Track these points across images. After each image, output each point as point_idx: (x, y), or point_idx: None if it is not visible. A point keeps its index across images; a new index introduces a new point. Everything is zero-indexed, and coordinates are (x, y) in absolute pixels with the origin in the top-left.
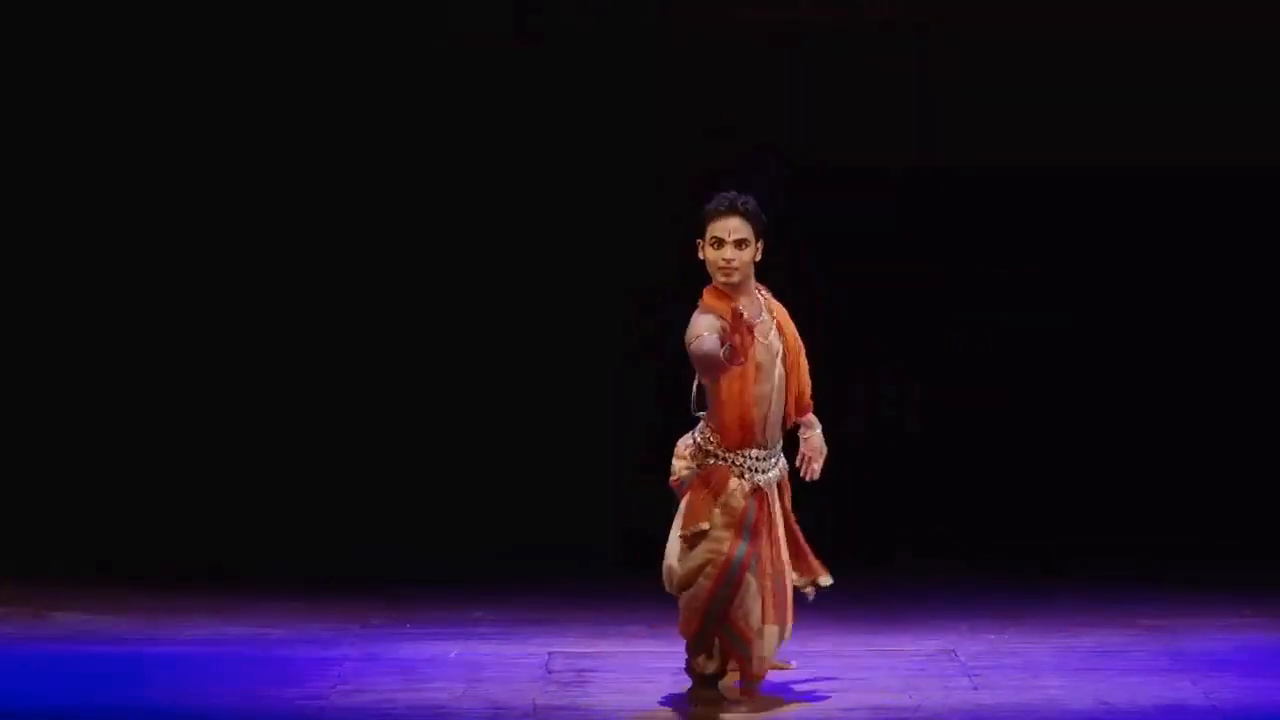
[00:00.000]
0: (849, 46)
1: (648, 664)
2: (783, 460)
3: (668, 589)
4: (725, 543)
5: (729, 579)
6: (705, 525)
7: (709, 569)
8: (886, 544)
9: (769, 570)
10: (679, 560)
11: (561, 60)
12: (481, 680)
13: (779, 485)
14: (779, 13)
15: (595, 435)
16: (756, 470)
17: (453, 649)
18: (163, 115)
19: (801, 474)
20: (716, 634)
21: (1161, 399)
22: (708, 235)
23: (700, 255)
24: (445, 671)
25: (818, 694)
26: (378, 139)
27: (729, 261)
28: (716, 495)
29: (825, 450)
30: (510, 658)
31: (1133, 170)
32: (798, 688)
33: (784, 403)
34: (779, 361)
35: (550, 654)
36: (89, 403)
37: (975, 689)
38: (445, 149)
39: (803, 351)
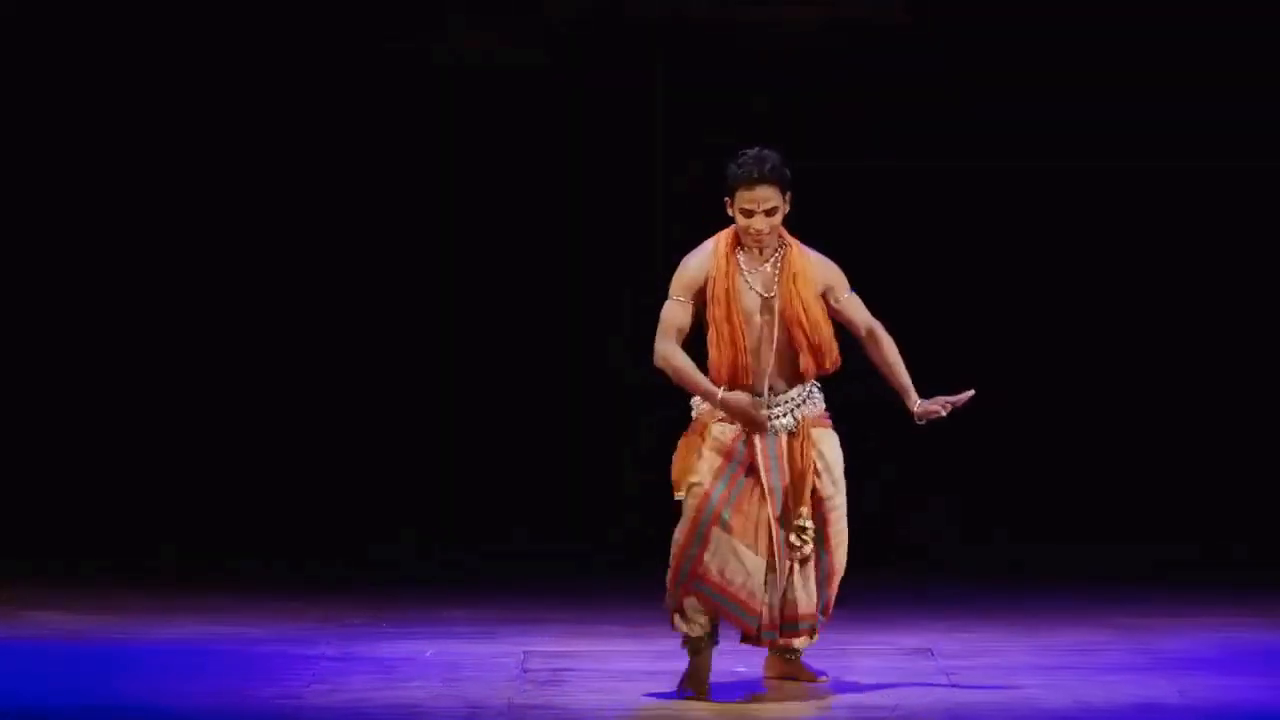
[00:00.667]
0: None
1: (624, 663)
2: (804, 409)
3: None
4: (698, 495)
5: (698, 532)
6: (695, 478)
7: (683, 521)
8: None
9: (752, 514)
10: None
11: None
12: (458, 679)
13: (793, 435)
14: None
15: (568, 434)
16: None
17: (429, 648)
18: (160, 114)
19: (943, 413)
20: (690, 592)
21: (1137, 400)
22: (736, 203)
23: (729, 212)
24: (421, 670)
25: (794, 693)
26: (377, 139)
27: (760, 232)
28: (701, 439)
29: (944, 404)
30: (486, 657)
31: (1131, 168)
32: (775, 686)
33: (791, 354)
34: (778, 313)
35: (526, 653)
36: (66, 401)
37: (952, 688)
38: (446, 148)
39: (810, 305)
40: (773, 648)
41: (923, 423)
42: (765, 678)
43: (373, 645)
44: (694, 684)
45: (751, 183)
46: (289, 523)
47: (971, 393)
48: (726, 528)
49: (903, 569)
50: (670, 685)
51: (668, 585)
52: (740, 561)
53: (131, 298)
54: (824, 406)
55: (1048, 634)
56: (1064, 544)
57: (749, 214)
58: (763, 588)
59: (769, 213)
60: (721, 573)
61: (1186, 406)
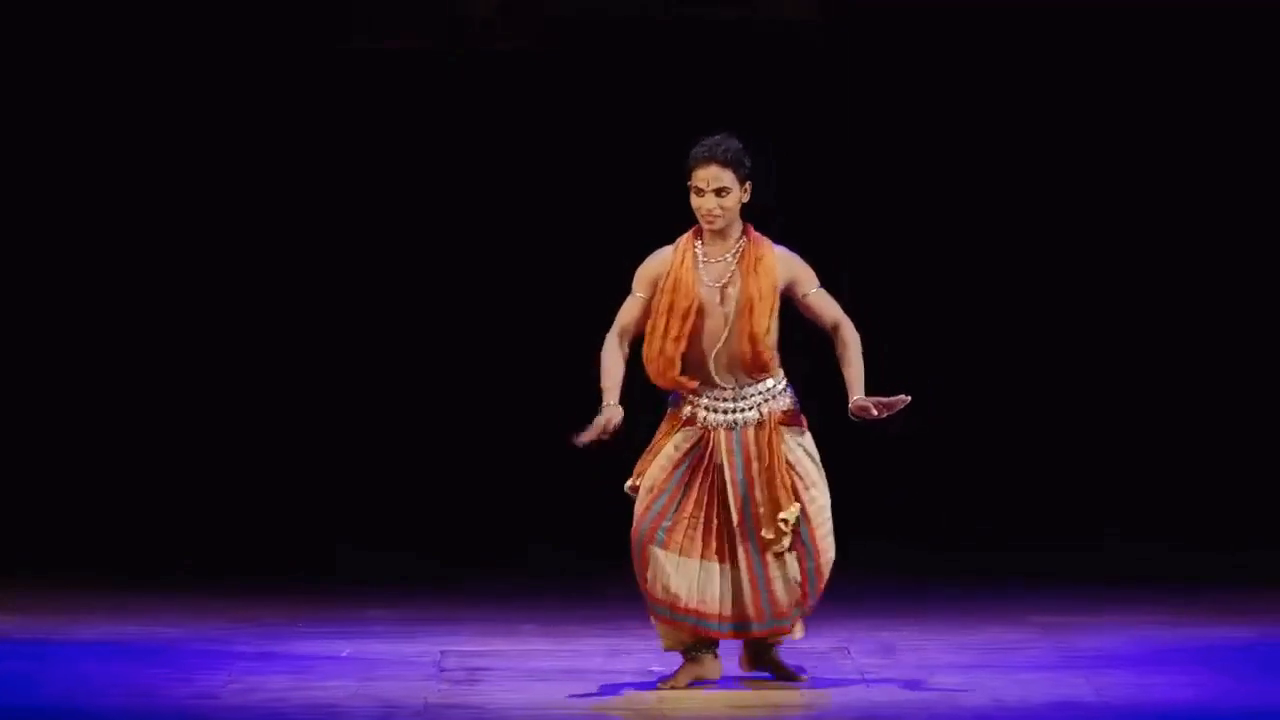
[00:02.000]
0: None
1: (540, 663)
2: (772, 405)
3: None
4: (636, 514)
5: (637, 554)
6: (632, 484)
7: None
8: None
9: (699, 518)
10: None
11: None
12: (374, 678)
13: (760, 428)
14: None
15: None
16: (713, 410)
17: (346, 647)
18: (154, 114)
19: (875, 413)
20: (650, 612)
21: (1063, 399)
22: (691, 182)
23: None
24: (338, 670)
25: (711, 692)
26: (378, 139)
27: (709, 211)
28: (653, 455)
29: (877, 404)
30: (403, 656)
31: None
32: (691, 686)
33: (740, 349)
34: (734, 308)
35: (443, 652)
36: None
37: (869, 686)
38: (447, 148)
39: (763, 303)
40: (745, 641)
41: (856, 419)
42: (741, 677)
43: (289, 644)
44: (675, 680)
45: (702, 162)
46: (202, 521)
47: (906, 398)
48: (662, 544)
49: None
50: (587, 684)
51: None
52: (680, 573)
53: (65, 306)
54: (795, 403)
55: (964, 632)
56: (982, 543)
57: (700, 193)
58: (718, 586)
59: (719, 192)
60: (666, 589)
61: (1110, 404)
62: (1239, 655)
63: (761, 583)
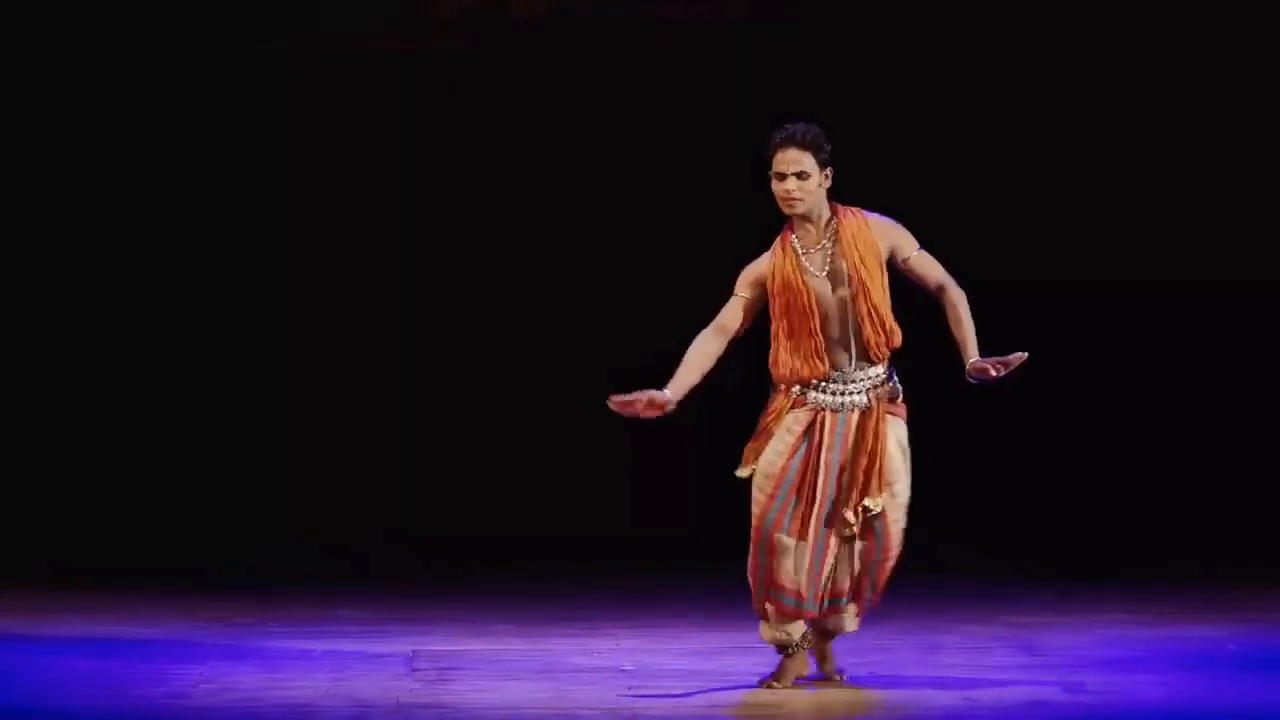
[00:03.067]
0: None
1: (512, 662)
2: (881, 391)
3: None
4: (759, 503)
5: (762, 544)
6: (746, 470)
7: (752, 532)
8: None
9: (805, 501)
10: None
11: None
12: (346, 678)
13: (865, 414)
14: None
15: (463, 433)
16: (825, 390)
17: (318, 647)
18: (148, 113)
19: (993, 373)
20: (769, 600)
21: (1028, 395)
22: (771, 169)
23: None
24: (310, 669)
25: (683, 691)
26: (379, 138)
27: (790, 193)
28: (766, 437)
29: (995, 364)
30: (375, 655)
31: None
32: (667, 684)
33: (860, 328)
34: (848, 291)
35: (415, 651)
36: None
37: (841, 685)
38: (446, 148)
39: (873, 274)
40: (814, 621)
41: (973, 380)
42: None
43: (261, 644)
44: (778, 678)
45: (781, 146)
46: (174, 521)
47: (1024, 356)
48: (788, 532)
49: None
50: (559, 683)
51: (752, 592)
52: (802, 561)
53: (37, 307)
54: (900, 392)
55: (935, 632)
56: (953, 542)
57: (781, 177)
58: (808, 568)
59: (799, 175)
60: (791, 578)
61: (1081, 403)
62: (1209, 655)
63: (818, 565)
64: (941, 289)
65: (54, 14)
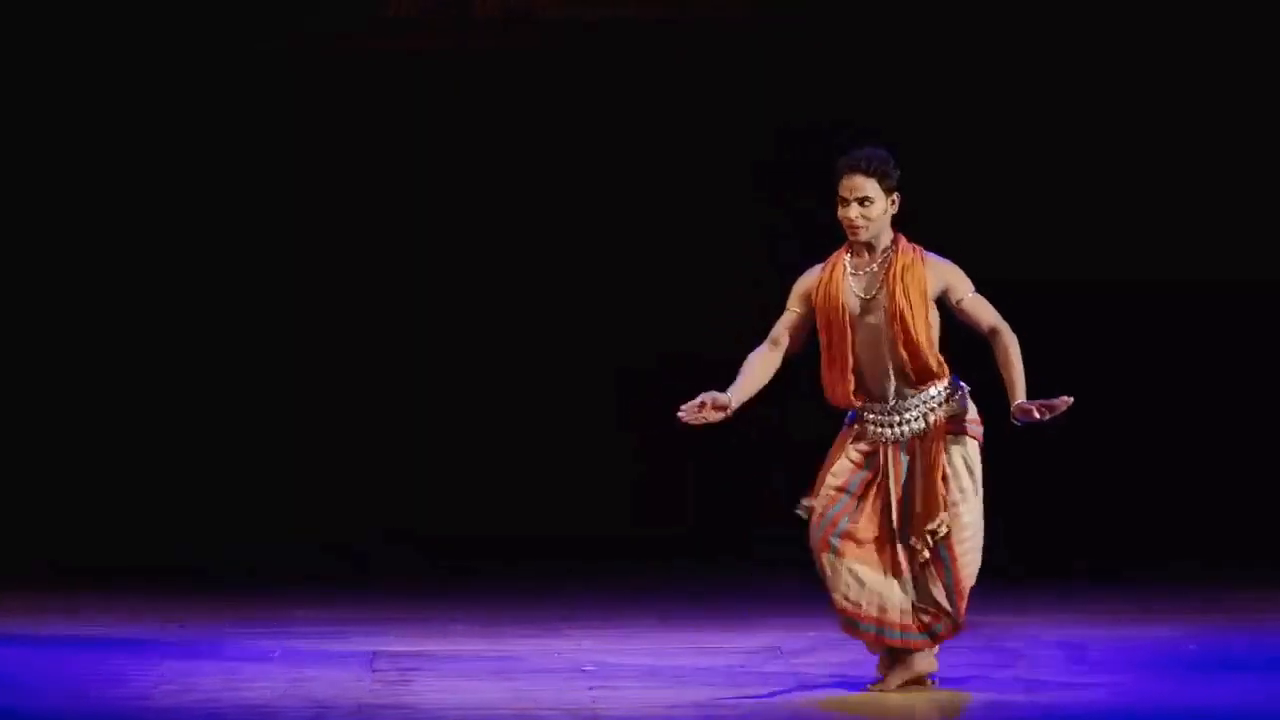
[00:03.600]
0: None
1: (472, 663)
2: (942, 411)
3: None
4: (820, 506)
5: (820, 568)
6: (806, 507)
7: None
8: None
9: (872, 528)
10: None
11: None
12: (305, 679)
13: (923, 438)
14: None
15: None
16: (880, 424)
17: (276, 648)
18: (146, 113)
19: (1038, 415)
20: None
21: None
22: (838, 194)
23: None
24: (268, 671)
25: (642, 693)
26: (381, 138)
27: (853, 220)
28: (840, 450)
29: (1039, 407)
30: (334, 656)
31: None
32: (622, 686)
33: (900, 359)
34: (885, 317)
35: (375, 653)
36: None
37: (799, 686)
38: (449, 148)
39: (915, 312)
40: (888, 650)
41: (1018, 422)
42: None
43: (220, 646)
44: (886, 682)
45: (846, 172)
46: (132, 521)
47: (1070, 400)
48: (838, 553)
49: (750, 566)
50: (519, 684)
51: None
52: (859, 581)
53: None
54: (969, 408)
55: None
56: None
57: (844, 203)
58: (895, 597)
59: (862, 202)
60: (846, 597)
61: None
62: (1170, 655)
63: (919, 593)
64: (995, 332)
65: (48, 14)
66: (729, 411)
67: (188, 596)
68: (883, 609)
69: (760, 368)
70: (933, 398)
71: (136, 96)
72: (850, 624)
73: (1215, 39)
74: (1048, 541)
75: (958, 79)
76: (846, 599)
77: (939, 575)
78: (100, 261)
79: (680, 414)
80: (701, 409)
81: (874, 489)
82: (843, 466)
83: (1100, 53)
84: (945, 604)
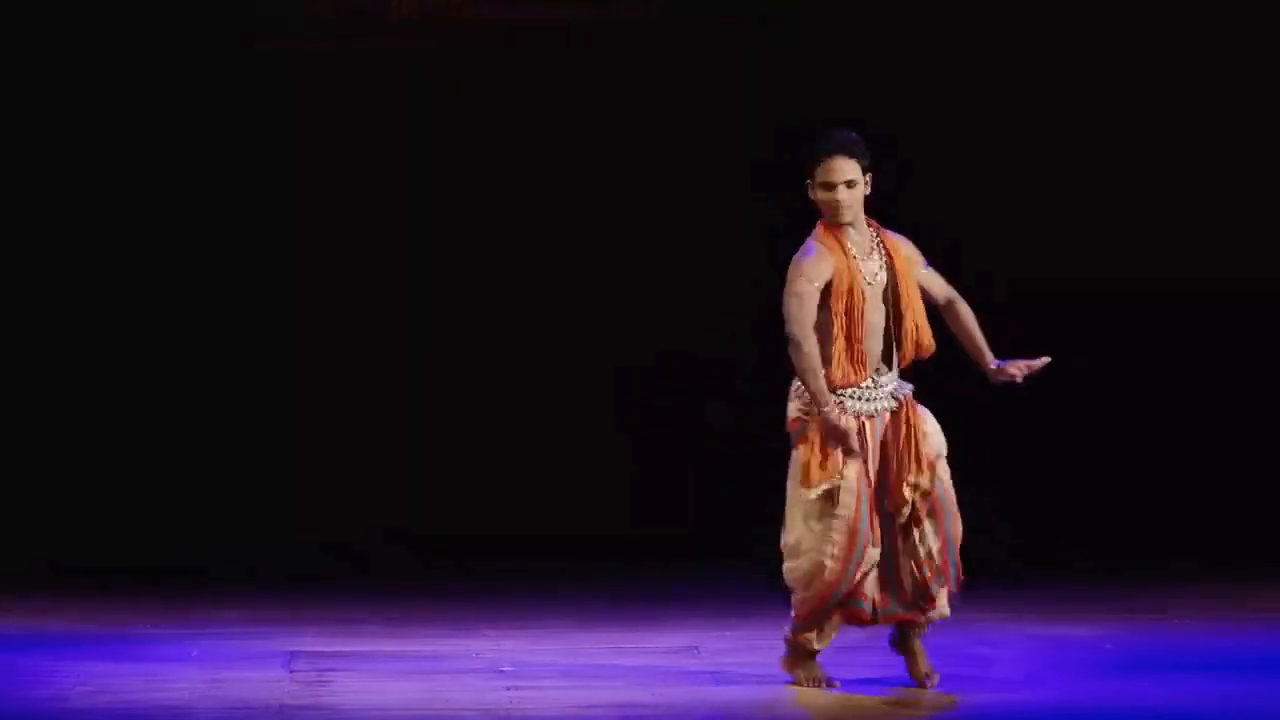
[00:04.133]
0: None
1: (390, 663)
2: (905, 388)
3: (788, 559)
4: (849, 514)
5: (857, 558)
6: (822, 487)
7: (834, 550)
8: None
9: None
10: (803, 524)
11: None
12: (223, 680)
13: (895, 413)
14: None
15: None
16: (862, 399)
17: (195, 648)
18: (142, 112)
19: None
20: (844, 608)
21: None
22: (817, 177)
23: (810, 195)
24: (187, 671)
25: (560, 692)
26: (383, 137)
27: (840, 202)
28: (829, 453)
29: (1021, 367)
30: (253, 657)
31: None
32: (540, 686)
33: (896, 338)
34: (883, 296)
35: (293, 653)
36: None
37: (718, 684)
38: (450, 146)
39: (916, 290)
40: (895, 624)
41: (998, 383)
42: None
43: (138, 646)
44: (812, 680)
45: (828, 154)
46: (51, 521)
47: (1047, 359)
48: (874, 543)
49: (669, 566)
50: (437, 684)
51: (812, 604)
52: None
53: None
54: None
55: None
56: None
57: (830, 187)
58: (889, 573)
59: (849, 184)
60: (871, 583)
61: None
62: (1087, 656)
63: (902, 562)
64: (951, 302)
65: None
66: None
67: (112, 597)
68: (869, 585)
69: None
70: (896, 378)
71: (131, 96)
72: (871, 610)
73: (1213, 33)
74: (973, 540)
75: (957, 77)
76: (873, 586)
77: (938, 530)
78: (97, 263)
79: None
80: (845, 442)
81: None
82: (850, 453)
83: (1101, 53)
84: (940, 568)
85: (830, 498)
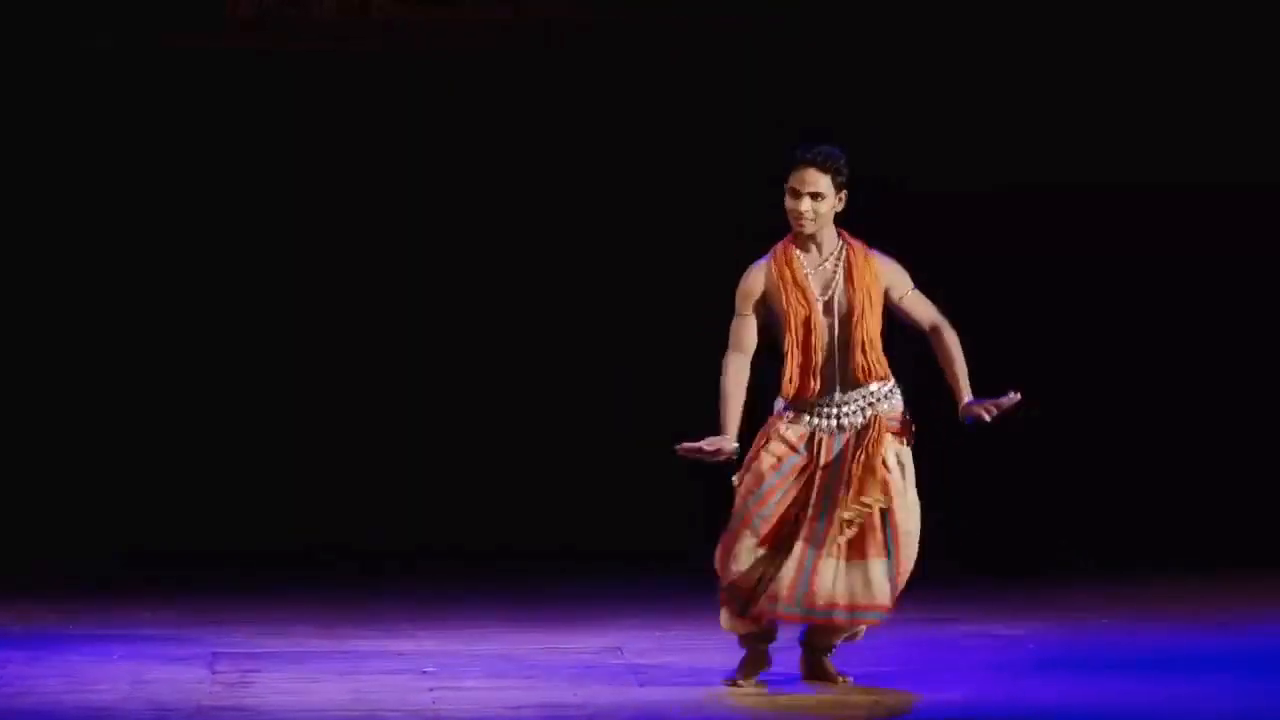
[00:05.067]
0: None
1: (313, 664)
2: (881, 407)
3: None
4: (740, 499)
5: (728, 535)
6: (750, 477)
7: (729, 531)
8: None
9: (783, 510)
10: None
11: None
12: (146, 681)
13: (863, 431)
14: None
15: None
16: (820, 414)
17: (117, 650)
18: (154, 113)
19: (986, 416)
20: (728, 595)
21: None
22: (788, 186)
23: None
24: (110, 673)
25: (485, 692)
26: (386, 136)
27: (802, 214)
28: (767, 436)
29: (988, 406)
30: (176, 658)
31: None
32: (464, 686)
33: (850, 354)
34: (843, 315)
35: (215, 654)
36: None
37: (642, 685)
38: (451, 145)
39: (871, 311)
40: (805, 636)
41: (967, 422)
42: (803, 678)
43: (60, 648)
44: (742, 672)
45: (799, 165)
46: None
47: (1017, 397)
48: (756, 533)
49: (592, 568)
50: (360, 685)
51: (720, 585)
52: (759, 562)
53: None
54: (902, 408)
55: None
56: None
57: (796, 195)
58: (793, 574)
59: (814, 196)
60: (741, 574)
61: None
62: (1008, 655)
63: (806, 571)
64: (935, 329)
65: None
66: (733, 458)
67: (32, 599)
68: (773, 588)
69: (740, 387)
70: (872, 393)
71: (133, 97)
72: (737, 601)
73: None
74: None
75: (956, 77)
76: (745, 578)
77: (878, 554)
78: (95, 263)
79: (681, 449)
80: (701, 453)
81: (802, 475)
82: (778, 447)
83: (1100, 54)
84: (882, 584)
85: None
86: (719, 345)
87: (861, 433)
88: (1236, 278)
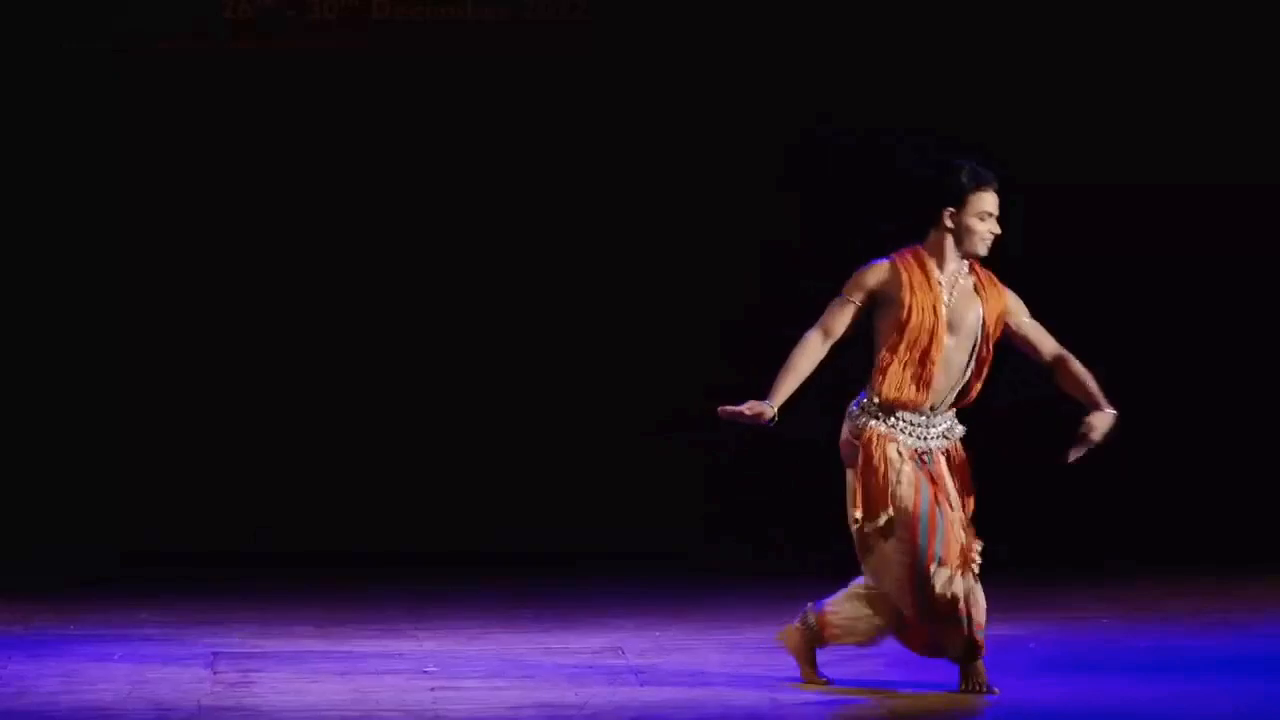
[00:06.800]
0: None
1: (313, 664)
2: (954, 432)
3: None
4: (906, 545)
5: (919, 583)
6: (889, 514)
7: (898, 571)
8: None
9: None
10: (868, 553)
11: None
12: (146, 681)
13: (948, 451)
14: None
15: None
16: (912, 433)
17: (117, 650)
18: (159, 112)
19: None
20: (927, 633)
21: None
22: (970, 206)
23: (946, 221)
24: (109, 673)
25: (484, 693)
26: (388, 135)
27: (986, 237)
28: (884, 481)
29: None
30: (176, 658)
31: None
32: (465, 686)
33: (970, 377)
34: (968, 331)
35: (215, 654)
36: None
37: (642, 685)
38: (450, 145)
39: (995, 336)
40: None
41: (1080, 445)
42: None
43: (60, 648)
44: (814, 666)
45: (985, 187)
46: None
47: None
48: (942, 561)
49: (592, 568)
50: (360, 685)
51: (914, 615)
52: (954, 580)
53: None
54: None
55: (737, 631)
56: (752, 543)
57: (984, 218)
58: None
59: (998, 220)
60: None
61: None
62: (1010, 654)
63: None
64: (1060, 359)
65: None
66: (772, 423)
67: (33, 599)
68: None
69: (812, 364)
70: (950, 421)
71: (135, 97)
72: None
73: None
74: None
75: (956, 78)
76: (956, 599)
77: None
78: (93, 264)
79: (722, 410)
80: (741, 416)
81: (935, 495)
82: (906, 480)
83: (1105, 54)
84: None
85: (888, 528)
86: (719, 347)
87: (951, 460)
88: (1236, 278)
